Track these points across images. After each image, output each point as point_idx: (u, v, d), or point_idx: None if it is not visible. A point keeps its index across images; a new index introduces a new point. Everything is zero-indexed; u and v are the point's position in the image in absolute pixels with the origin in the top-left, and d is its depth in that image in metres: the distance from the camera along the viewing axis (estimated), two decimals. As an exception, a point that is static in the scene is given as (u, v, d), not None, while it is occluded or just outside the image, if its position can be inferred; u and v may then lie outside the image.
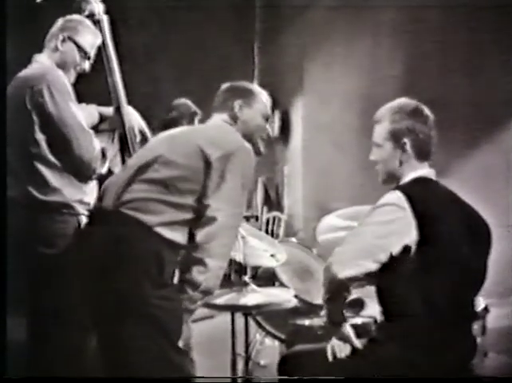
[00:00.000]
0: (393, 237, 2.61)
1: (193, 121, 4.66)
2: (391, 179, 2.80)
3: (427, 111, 2.80)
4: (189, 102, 4.68)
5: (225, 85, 3.09)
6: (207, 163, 2.75)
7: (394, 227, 2.61)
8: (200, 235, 2.74)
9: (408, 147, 2.75)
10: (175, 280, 2.77)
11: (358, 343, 2.76)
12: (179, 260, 2.78)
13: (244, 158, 2.83)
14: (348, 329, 2.78)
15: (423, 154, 2.77)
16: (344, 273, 2.62)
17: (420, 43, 5.75)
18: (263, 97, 3.06)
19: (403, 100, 2.83)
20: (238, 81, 3.12)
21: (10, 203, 3.00)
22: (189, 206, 2.75)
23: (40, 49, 3.47)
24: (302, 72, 7.15)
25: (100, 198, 2.88)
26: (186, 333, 3.82)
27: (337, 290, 2.72)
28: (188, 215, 2.76)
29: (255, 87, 3.10)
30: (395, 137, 2.76)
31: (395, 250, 2.60)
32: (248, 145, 2.87)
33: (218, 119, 3.00)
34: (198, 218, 2.75)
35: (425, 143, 2.76)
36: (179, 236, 2.75)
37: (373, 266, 2.62)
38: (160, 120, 4.66)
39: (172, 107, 4.68)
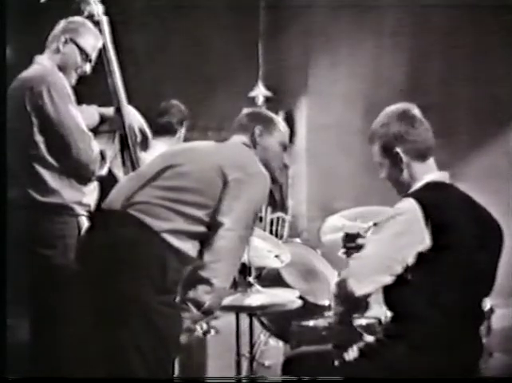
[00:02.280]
0: (408, 247, 2.59)
1: (183, 124, 4.60)
2: (404, 189, 2.76)
3: (412, 111, 2.76)
4: (179, 103, 4.62)
5: (246, 110, 3.12)
6: (224, 182, 2.76)
7: (408, 238, 2.59)
8: (209, 255, 2.74)
9: (402, 154, 2.72)
10: (178, 297, 2.77)
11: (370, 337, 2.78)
12: (183, 277, 2.77)
13: (261, 184, 2.85)
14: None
15: (421, 153, 2.74)
16: (361, 291, 2.62)
17: (424, 44, 5.76)
18: (282, 127, 3.10)
19: (386, 111, 2.79)
20: (258, 109, 3.14)
21: (10, 204, 3.01)
22: (199, 219, 2.75)
23: (41, 51, 3.47)
24: (306, 73, 7.15)
25: (109, 198, 2.88)
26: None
27: (353, 303, 2.73)
28: (199, 228, 2.76)
29: (275, 116, 3.13)
30: (388, 151, 2.74)
31: (411, 260, 2.59)
32: (266, 172, 2.88)
33: (238, 140, 3.00)
34: (210, 232, 2.76)
35: (418, 142, 2.73)
36: (188, 247, 2.74)
37: (389, 279, 2.61)
38: (153, 124, 4.61)
39: (163, 110, 4.60)
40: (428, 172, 2.74)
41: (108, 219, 2.80)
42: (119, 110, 3.52)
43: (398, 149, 2.72)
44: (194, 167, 2.82)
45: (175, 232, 2.71)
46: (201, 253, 2.77)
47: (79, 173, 3.34)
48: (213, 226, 2.76)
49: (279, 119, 3.13)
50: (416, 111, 2.77)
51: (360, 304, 2.77)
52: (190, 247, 2.75)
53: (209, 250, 2.74)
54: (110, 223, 2.78)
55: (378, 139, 2.77)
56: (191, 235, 2.75)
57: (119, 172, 3.49)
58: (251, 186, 2.80)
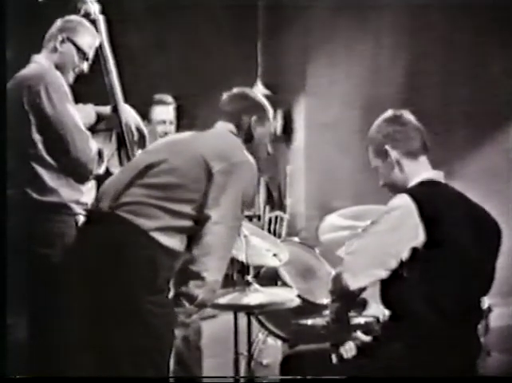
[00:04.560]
0: (402, 242, 2.61)
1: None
2: (400, 189, 2.78)
3: (401, 114, 2.82)
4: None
5: (232, 93, 3.00)
6: (209, 174, 2.71)
7: (402, 232, 2.62)
8: (198, 248, 2.71)
9: (391, 151, 2.77)
10: (171, 293, 2.75)
11: (366, 337, 2.78)
12: (174, 272, 2.75)
13: (247, 173, 2.79)
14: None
15: (411, 151, 2.78)
16: (356, 284, 2.66)
17: (422, 43, 5.76)
18: (271, 114, 3.01)
19: (379, 118, 2.86)
20: (240, 87, 3.04)
21: (8, 204, 3.00)
22: (187, 214, 2.72)
23: (39, 50, 3.47)
24: (305, 72, 7.15)
25: (97, 199, 2.85)
26: (196, 334, 3.85)
27: (348, 298, 2.74)
28: (186, 223, 2.73)
29: (264, 101, 3.02)
30: (379, 152, 2.81)
31: (405, 255, 2.61)
32: (252, 160, 2.83)
33: (224, 128, 2.94)
34: (197, 226, 2.73)
35: (406, 140, 2.78)
36: (176, 243, 2.71)
37: (384, 274, 2.64)
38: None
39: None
40: (422, 171, 2.77)
41: (98, 221, 2.77)
42: (115, 109, 3.53)
43: (387, 147, 2.78)
44: (177, 161, 2.77)
45: (164, 229, 2.68)
46: (189, 247, 2.74)
47: (77, 172, 3.34)
48: (201, 219, 2.72)
49: (267, 104, 3.01)
50: (406, 113, 2.84)
51: (356, 299, 2.78)
52: (178, 243, 2.72)
53: (198, 244, 2.71)
54: (99, 224, 2.75)
55: (370, 143, 2.85)
56: (179, 230, 2.72)
57: (116, 171, 3.48)
58: (237, 176, 2.74)
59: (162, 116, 4.22)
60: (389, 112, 2.85)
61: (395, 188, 2.80)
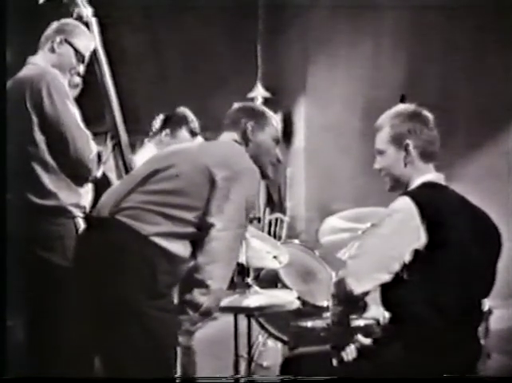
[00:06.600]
0: (405, 245, 2.61)
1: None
2: (399, 186, 2.78)
3: (426, 112, 2.81)
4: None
5: (237, 105, 3.06)
6: (212, 182, 2.71)
7: (404, 235, 2.62)
8: (202, 256, 2.70)
9: (411, 148, 2.74)
10: (175, 301, 2.75)
11: (367, 340, 2.78)
12: (179, 280, 2.75)
13: (250, 180, 2.80)
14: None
15: (427, 154, 2.77)
16: (360, 289, 2.65)
17: (423, 44, 5.76)
18: (274, 121, 3.02)
19: (401, 106, 2.84)
20: (249, 103, 3.07)
21: (8, 207, 3.00)
22: (188, 221, 2.71)
23: (35, 52, 3.47)
24: (305, 73, 7.14)
25: (99, 206, 2.85)
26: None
27: (352, 302, 2.74)
28: (188, 229, 2.72)
29: (267, 110, 3.06)
30: (397, 140, 2.76)
31: (407, 257, 2.60)
32: (255, 167, 2.83)
33: (228, 137, 2.96)
34: (200, 233, 2.72)
35: (428, 143, 2.76)
36: (178, 248, 2.71)
37: (388, 277, 2.63)
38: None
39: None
40: (425, 174, 2.76)
41: (96, 227, 2.78)
42: (111, 112, 3.52)
43: (409, 141, 2.75)
44: (180, 169, 2.77)
45: (164, 234, 2.68)
46: (193, 254, 2.74)
47: (77, 173, 3.33)
48: (204, 227, 2.72)
49: (271, 113, 3.05)
50: (430, 115, 2.80)
51: (358, 303, 2.79)
52: (180, 248, 2.72)
53: (202, 251, 2.71)
54: (97, 230, 2.75)
55: (390, 127, 2.78)
56: (181, 236, 2.72)
57: (112, 174, 3.48)
58: (240, 183, 2.74)
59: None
60: (417, 108, 2.81)
61: (396, 182, 2.80)
